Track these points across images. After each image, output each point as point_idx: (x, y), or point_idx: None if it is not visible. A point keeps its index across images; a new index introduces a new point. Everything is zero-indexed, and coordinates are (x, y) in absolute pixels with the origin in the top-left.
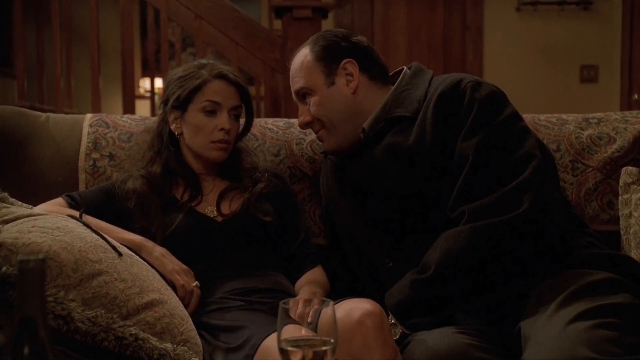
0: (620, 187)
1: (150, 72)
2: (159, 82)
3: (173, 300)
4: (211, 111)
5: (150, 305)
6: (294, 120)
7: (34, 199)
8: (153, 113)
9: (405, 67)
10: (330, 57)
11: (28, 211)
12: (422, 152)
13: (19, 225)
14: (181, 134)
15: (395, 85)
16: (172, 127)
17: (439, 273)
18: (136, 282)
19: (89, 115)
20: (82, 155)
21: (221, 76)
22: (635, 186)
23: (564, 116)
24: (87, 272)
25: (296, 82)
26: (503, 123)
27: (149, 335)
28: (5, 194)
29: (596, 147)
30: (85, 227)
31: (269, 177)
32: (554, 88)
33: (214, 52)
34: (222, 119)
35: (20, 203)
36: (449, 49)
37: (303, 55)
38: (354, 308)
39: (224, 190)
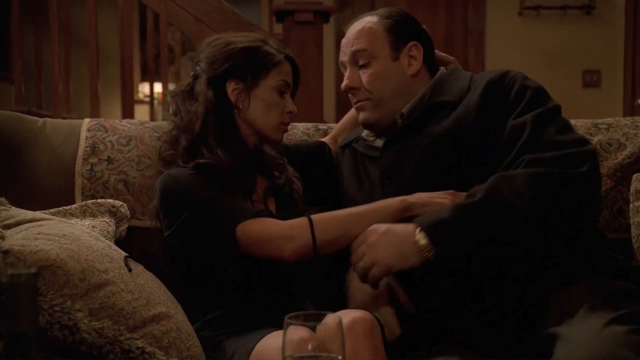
0: (632, 194)
1: (149, 76)
2: (158, 87)
3: (179, 315)
4: (283, 92)
5: (157, 318)
6: (297, 123)
7: (30, 205)
8: (152, 118)
9: (442, 67)
10: (400, 33)
11: (30, 216)
12: (464, 135)
13: (24, 232)
14: (240, 108)
15: (434, 78)
16: (233, 98)
17: (485, 202)
18: (143, 293)
19: (86, 120)
20: (79, 160)
21: (290, 59)
22: None
23: (572, 121)
24: (94, 282)
25: (356, 43)
26: (556, 109)
27: (156, 350)
28: (3, 199)
29: (606, 154)
30: (90, 235)
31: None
32: (557, 93)
33: None
34: (290, 102)
35: (15, 209)
36: (450, 52)
37: (370, 21)
38: (344, 314)
39: (268, 187)
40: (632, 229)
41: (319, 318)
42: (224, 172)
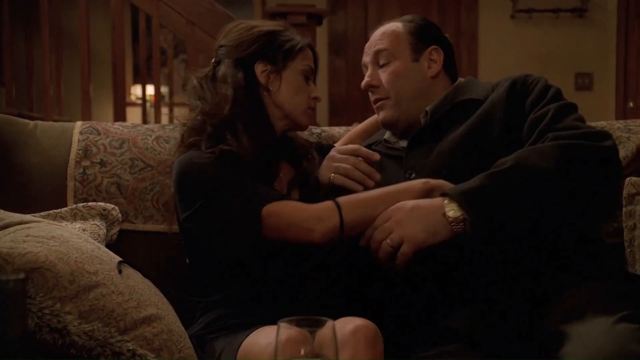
0: (624, 198)
1: (141, 79)
2: (150, 89)
3: (170, 316)
4: (307, 77)
5: (148, 320)
6: None
7: (22, 209)
8: (144, 120)
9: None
10: (421, 37)
11: (18, 218)
12: (490, 131)
13: (12, 234)
14: (270, 89)
15: (455, 83)
16: (263, 79)
17: (513, 169)
18: (133, 295)
19: (79, 123)
20: (71, 163)
21: (311, 46)
22: None
23: None
24: (84, 283)
25: (379, 43)
26: (575, 106)
27: (147, 352)
28: None
29: None
30: (80, 237)
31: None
32: None
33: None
34: (314, 88)
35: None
36: None
37: (393, 25)
38: (347, 321)
39: (294, 178)
40: (624, 233)
41: (313, 323)
42: (246, 159)
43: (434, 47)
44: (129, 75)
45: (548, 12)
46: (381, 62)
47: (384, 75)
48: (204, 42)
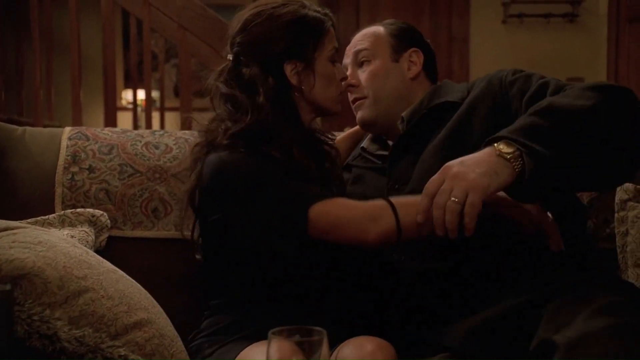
0: (616, 203)
1: (132, 83)
2: (141, 94)
3: (162, 319)
4: (334, 60)
5: (139, 324)
6: None
7: (9, 215)
8: (135, 125)
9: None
10: (402, 38)
11: (3, 224)
12: (470, 132)
13: None
14: (303, 89)
15: (433, 86)
16: (294, 80)
17: (551, 106)
18: (123, 299)
19: (67, 129)
20: (59, 169)
21: (331, 19)
22: (632, 203)
23: None
24: (73, 289)
25: (359, 44)
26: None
27: (139, 357)
28: None
29: None
30: (67, 242)
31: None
32: None
33: (198, 63)
34: (340, 68)
35: None
36: None
37: (374, 28)
38: (365, 342)
39: (319, 176)
40: (617, 239)
41: (305, 333)
42: (286, 159)
43: (414, 49)
44: (120, 79)
45: (539, 17)
46: (360, 61)
47: (363, 74)
48: (196, 47)
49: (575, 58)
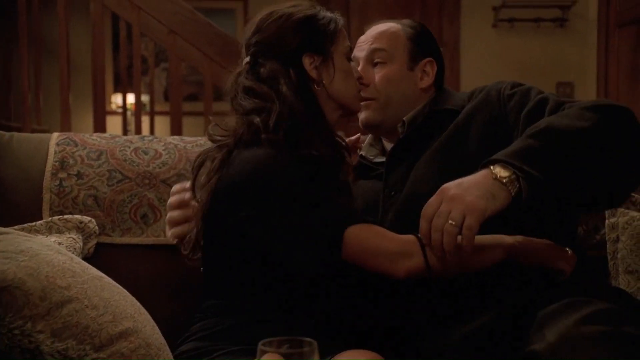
0: (607, 210)
1: (122, 87)
2: (131, 98)
3: (148, 328)
4: (349, 58)
5: (124, 334)
6: None
7: None
8: (125, 129)
9: None
10: (420, 45)
11: None
12: (466, 141)
13: None
14: (324, 83)
15: (436, 93)
16: (314, 74)
17: (550, 128)
18: (108, 308)
19: (55, 134)
20: (47, 175)
21: (343, 22)
22: (622, 209)
23: None
24: (56, 299)
25: (377, 42)
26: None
27: None
28: None
29: None
30: (51, 249)
31: None
32: None
33: (188, 68)
34: (355, 68)
35: None
36: None
37: (393, 27)
38: (358, 356)
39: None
40: (607, 246)
41: (296, 344)
42: (326, 163)
43: (429, 59)
44: (109, 83)
45: (529, 21)
46: (376, 61)
47: (377, 75)
48: (186, 51)
49: (565, 62)
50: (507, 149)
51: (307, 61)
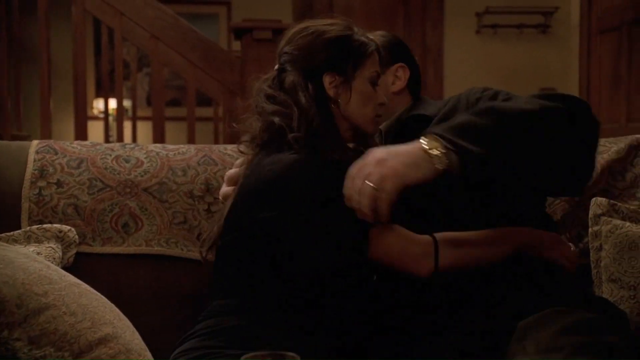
0: (590, 218)
1: (104, 92)
2: (113, 103)
3: (127, 333)
4: (374, 84)
5: (104, 340)
6: None
7: None
8: (107, 134)
9: None
10: (390, 52)
11: None
12: None
13: None
14: (339, 102)
15: (412, 101)
16: (331, 92)
17: (493, 107)
18: (87, 315)
19: (35, 142)
20: (26, 184)
21: (377, 48)
22: (606, 217)
23: None
24: (33, 307)
25: None
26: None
27: None
28: None
29: None
30: (26, 256)
31: None
32: None
33: (171, 72)
34: (381, 93)
35: None
36: None
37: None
38: None
39: None
40: (590, 254)
41: (278, 357)
42: (347, 166)
43: (400, 64)
44: (91, 88)
45: (512, 27)
46: None
47: None
48: (169, 56)
49: (547, 68)
50: (444, 123)
51: (327, 79)
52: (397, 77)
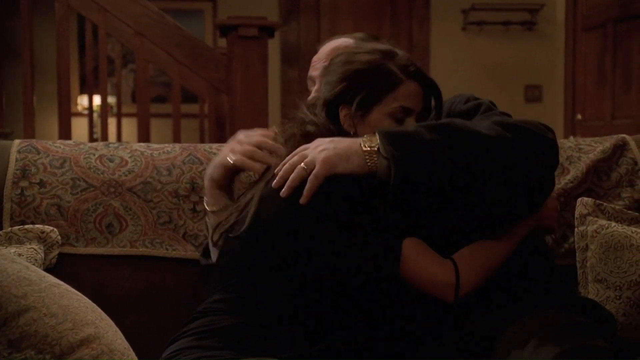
0: (576, 218)
1: (88, 89)
2: (97, 99)
3: (110, 333)
4: (400, 118)
5: (86, 341)
6: None
7: None
8: (91, 132)
9: None
10: None
11: None
12: None
13: None
14: (350, 135)
15: None
16: (345, 125)
17: (450, 124)
18: (68, 316)
19: (17, 141)
20: (8, 184)
21: (417, 76)
22: (591, 217)
23: None
24: (12, 309)
25: (329, 58)
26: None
27: None
28: None
29: None
30: (4, 258)
31: None
32: (500, 107)
33: (156, 69)
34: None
35: None
36: None
37: (344, 41)
38: None
39: None
40: (577, 254)
41: None
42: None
43: None
44: (75, 85)
45: (498, 24)
46: None
47: None
48: (154, 53)
49: (533, 65)
50: (398, 127)
51: (343, 111)
52: None
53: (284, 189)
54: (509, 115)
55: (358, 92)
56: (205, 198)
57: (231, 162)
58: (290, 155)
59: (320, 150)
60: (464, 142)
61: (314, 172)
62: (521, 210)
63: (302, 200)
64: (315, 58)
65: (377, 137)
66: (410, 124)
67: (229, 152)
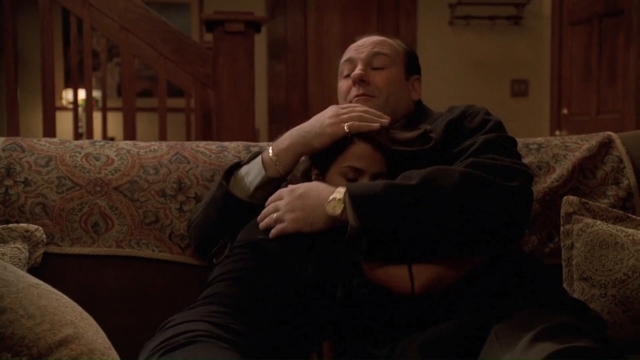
0: (562, 217)
1: (73, 83)
2: (82, 93)
3: (90, 333)
4: (352, 178)
5: (64, 342)
6: (227, 144)
7: None
8: (76, 126)
9: None
10: (411, 62)
11: None
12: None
13: None
14: None
15: (414, 110)
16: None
17: (421, 188)
18: (46, 316)
19: (1, 139)
20: None
21: (368, 139)
22: (577, 216)
23: None
24: None
25: (378, 47)
26: (512, 140)
27: None
28: None
29: (535, 178)
30: None
31: None
32: (486, 102)
33: (142, 63)
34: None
35: None
36: None
37: (390, 40)
38: None
39: None
40: (562, 252)
41: None
42: None
43: (417, 76)
44: (60, 79)
45: (485, 19)
46: (376, 65)
47: (378, 76)
48: (139, 48)
49: (519, 59)
50: (367, 187)
51: (314, 172)
52: (414, 88)
53: (260, 225)
54: (513, 140)
55: (320, 154)
56: (274, 157)
57: (347, 129)
58: (269, 200)
59: (288, 210)
60: (432, 207)
61: (281, 227)
62: (490, 251)
63: (270, 236)
64: (359, 43)
65: (344, 197)
66: (380, 183)
67: (332, 123)
